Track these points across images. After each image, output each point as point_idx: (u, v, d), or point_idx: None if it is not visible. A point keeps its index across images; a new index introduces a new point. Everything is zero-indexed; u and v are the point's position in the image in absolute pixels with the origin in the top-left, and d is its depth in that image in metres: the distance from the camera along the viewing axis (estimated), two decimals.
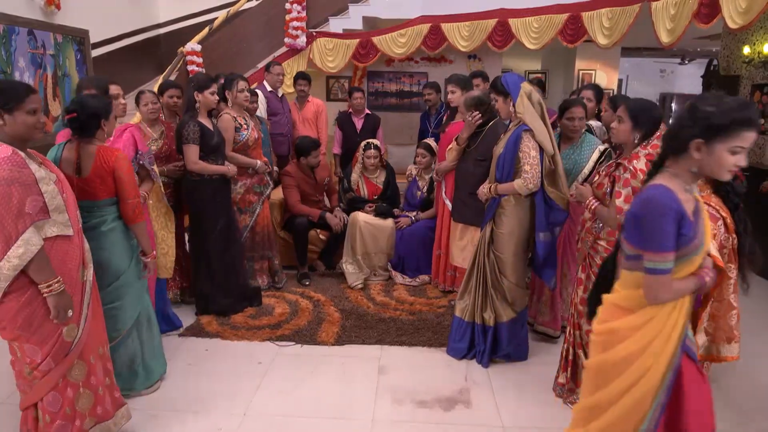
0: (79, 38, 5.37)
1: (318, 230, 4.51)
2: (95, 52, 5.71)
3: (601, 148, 3.12)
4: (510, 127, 3.00)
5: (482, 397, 2.78)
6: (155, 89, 3.82)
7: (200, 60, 5.97)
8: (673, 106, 12.38)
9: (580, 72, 8.53)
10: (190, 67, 5.90)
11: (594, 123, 3.60)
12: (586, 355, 2.58)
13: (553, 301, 3.34)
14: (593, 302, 1.87)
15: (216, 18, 6.38)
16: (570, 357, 2.65)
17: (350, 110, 5.31)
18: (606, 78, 8.54)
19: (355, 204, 4.47)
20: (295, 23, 5.99)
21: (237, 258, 3.68)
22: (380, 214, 4.38)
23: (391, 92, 7.14)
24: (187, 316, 3.61)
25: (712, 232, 2.14)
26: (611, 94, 6.47)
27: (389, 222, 4.37)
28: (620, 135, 2.39)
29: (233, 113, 3.77)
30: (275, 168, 4.19)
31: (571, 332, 2.64)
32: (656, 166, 1.67)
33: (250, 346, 3.29)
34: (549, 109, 3.99)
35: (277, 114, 5.04)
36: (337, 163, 5.44)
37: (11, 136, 1.93)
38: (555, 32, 5.57)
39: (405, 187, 4.65)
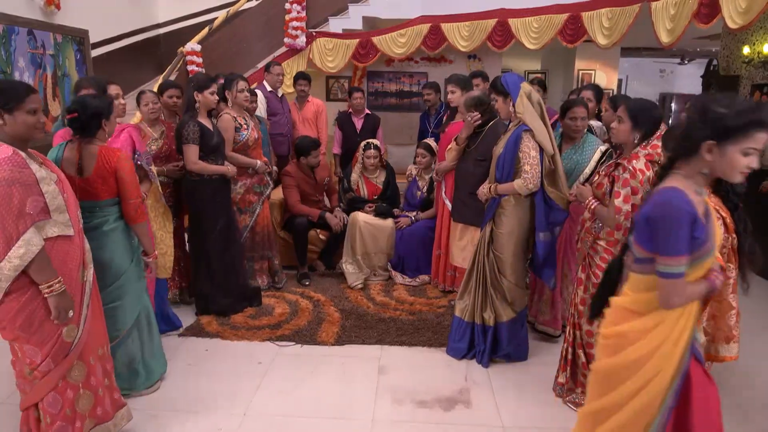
0: (78, 38, 5.37)
1: (318, 230, 4.51)
2: (95, 52, 5.71)
3: (603, 148, 3.12)
4: (510, 127, 3.00)
5: (482, 397, 2.78)
6: (155, 89, 3.82)
7: (200, 60, 5.97)
8: (673, 106, 12.38)
9: (580, 72, 8.53)
10: (189, 67, 5.90)
11: (594, 123, 3.60)
12: (586, 355, 2.58)
13: (553, 300, 3.34)
14: (597, 304, 1.86)
15: (216, 18, 6.38)
16: (569, 357, 2.65)
17: (350, 110, 5.31)
18: (606, 78, 8.55)
19: (355, 204, 4.47)
20: (295, 23, 5.99)
21: (237, 258, 3.68)
22: (380, 214, 4.38)
23: (390, 92, 7.14)
24: (186, 316, 3.61)
25: None
26: (611, 94, 6.47)
27: (389, 222, 4.37)
28: (620, 135, 2.39)
29: (233, 113, 3.77)
30: (274, 168, 4.19)
31: (571, 332, 2.64)
32: (666, 168, 1.64)
33: (250, 346, 3.29)
34: (549, 108, 4.00)
35: (276, 114, 5.03)
36: (337, 163, 5.44)
37: (11, 136, 1.93)
38: (555, 32, 5.58)
39: (405, 187, 4.65)
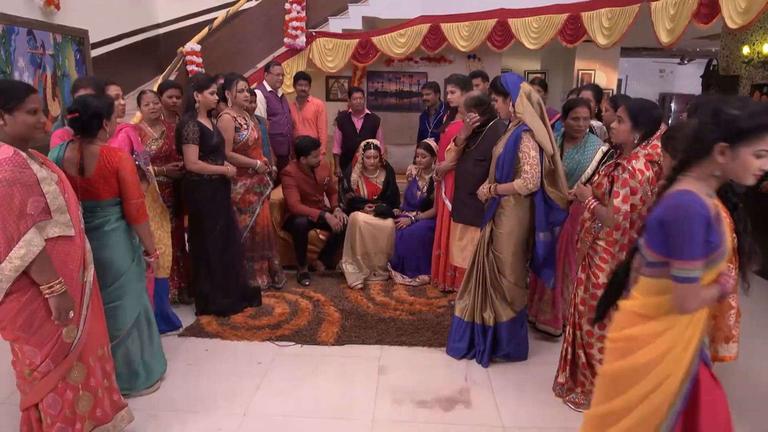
0: (78, 38, 5.37)
1: (318, 230, 4.51)
2: (95, 52, 5.71)
3: (604, 148, 3.13)
4: (510, 127, 3.00)
5: (482, 397, 2.78)
6: (155, 89, 3.82)
7: (200, 60, 5.97)
8: (673, 106, 12.39)
9: (580, 72, 8.53)
10: (189, 67, 5.90)
11: (595, 123, 3.61)
12: (586, 355, 2.58)
13: (554, 300, 3.35)
14: (602, 308, 1.85)
15: (215, 18, 6.38)
16: (569, 356, 2.65)
17: (350, 110, 5.31)
18: (605, 78, 8.55)
19: (354, 204, 4.47)
20: (295, 23, 5.99)
21: (237, 258, 3.68)
22: (380, 214, 4.38)
23: (390, 92, 7.14)
24: (186, 316, 3.61)
25: None
26: (611, 95, 6.47)
27: (389, 222, 4.37)
28: (620, 135, 2.40)
29: (233, 113, 3.77)
30: (274, 168, 4.19)
31: (571, 332, 2.64)
32: (676, 171, 1.63)
33: (250, 346, 3.29)
34: (549, 109, 4.00)
35: (276, 114, 5.03)
36: (336, 163, 5.44)
37: (12, 136, 1.92)
38: (554, 32, 5.58)
39: (405, 187, 4.65)
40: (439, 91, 5.00)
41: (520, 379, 2.94)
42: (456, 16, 5.85)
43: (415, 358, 3.17)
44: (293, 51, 6.15)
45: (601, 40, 5.41)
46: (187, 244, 3.87)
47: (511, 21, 5.67)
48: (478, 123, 3.45)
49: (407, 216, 4.40)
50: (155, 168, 3.47)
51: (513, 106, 2.85)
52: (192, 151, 3.37)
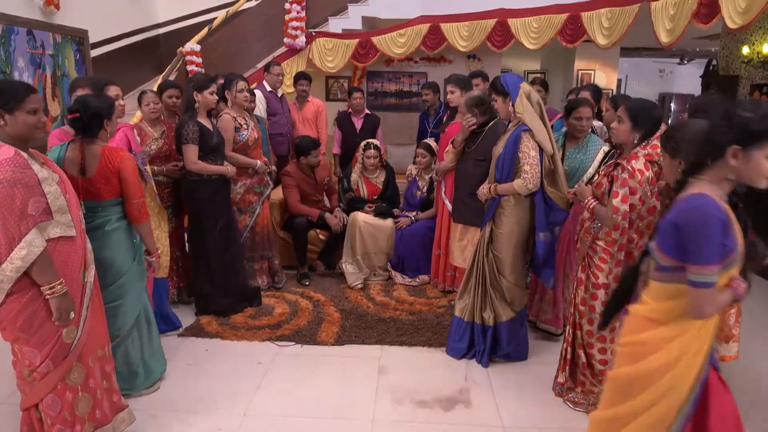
0: (78, 38, 5.37)
1: (318, 230, 4.51)
2: (94, 52, 5.70)
3: (606, 148, 3.13)
4: (509, 127, 3.00)
5: (482, 397, 2.78)
6: (155, 89, 3.81)
7: (199, 60, 5.97)
8: (672, 106, 12.40)
9: (579, 72, 8.53)
10: (189, 67, 5.90)
11: (595, 123, 3.61)
12: (586, 355, 2.58)
13: (555, 299, 3.35)
14: (609, 312, 1.84)
15: (215, 18, 6.38)
16: (569, 356, 2.65)
17: (350, 110, 5.31)
18: (605, 78, 8.55)
19: (354, 204, 4.47)
20: (295, 23, 5.99)
21: (236, 258, 3.68)
22: (380, 214, 4.38)
23: (390, 92, 7.14)
24: (186, 316, 3.61)
25: None
26: (611, 95, 6.48)
27: (389, 222, 4.37)
28: (620, 135, 2.40)
29: (233, 113, 3.77)
30: (273, 168, 4.19)
31: (571, 332, 2.64)
32: (687, 174, 1.61)
33: (250, 346, 3.29)
34: (549, 109, 4.00)
35: (276, 114, 5.03)
36: (336, 163, 5.44)
37: (12, 137, 1.92)
38: (554, 32, 5.58)
39: (405, 187, 4.65)
40: (439, 91, 5.00)
41: (520, 379, 2.95)
42: (456, 16, 5.85)
43: (415, 358, 3.17)
44: (293, 51, 6.15)
45: (601, 40, 5.41)
46: (186, 244, 3.86)
47: (510, 21, 5.68)
48: (475, 126, 3.45)
49: (407, 216, 4.40)
50: (155, 168, 3.48)
51: (513, 106, 2.85)
52: (192, 151, 3.37)
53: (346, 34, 6.18)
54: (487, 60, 6.80)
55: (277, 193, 4.52)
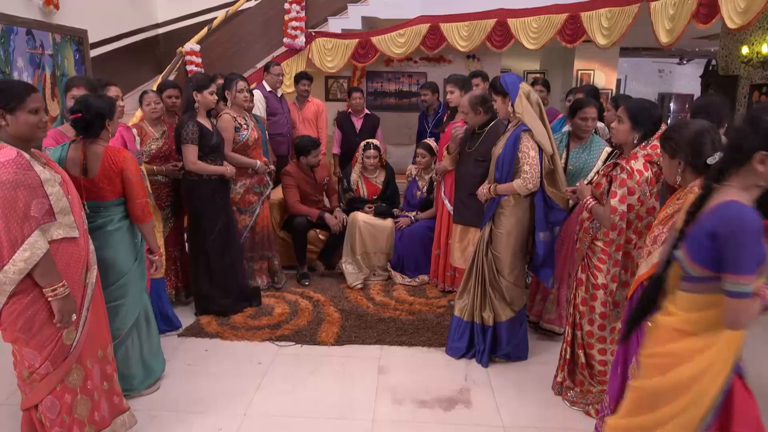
0: (77, 38, 5.36)
1: (317, 230, 4.51)
2: (94, 52, 5.70)
3: (609, 149, 3.13)
4: (509, 127, 3.00)
5: (482, 397, 2.78)
6: (155, 89, 3.81)
7: (199, 60, 5.97)
8: (672, 106, 12.42)
9: (579, 72, 8.53)
10: (189, 67, 5.89)
11: (597, 124, 3.62)
12: (586, 355, 2.59)
13: (559, 299, 3.35)
14: (632, 323, 1.81)
15: (215, 18, 6.37)
16: (568, 356, 2.66)
17: (349, 110, 5.31)
18: (604, 78, 8.55)
19: (354, 204, 4.47)
20: (294, 23, 5.99)
21: (236, 258, 3.68)
22: (380, 214, 4.38)
23: (390, 92, 7.15)
24: (186, 317, 3.61)
25: None
26: (610, 95, 6.48)
27: (389, 222, 4.38)
28: (619, 135, 2.40)
29: (233, 113, 3.77)
30: (272, 167, 4.19)
31: (570, 332, 2.64)
32: (713, 180, 1.56)
33: (250, 346, 3.29)
34: (550, 109, 4.01)
35: (276, 114, 5.03)
36: (336, 163, 5.44)
37: (14, 137, 1.91)
38: (554, 32, 5.58)
39: (404, 187, 4.66)
40: (437, 91, 5.01)
41: (520, 378, 2.95)
42: (455, 16, 5.85)
43: (414, 358, 3.18)
44: (293, 51, 6.15)
45: (601, 40, 5.42)
46: (186, 244, 3.87)
47: (510, 21, 5.68)
48: (463, 136, 3.46)
49: (407, 216, 4.40)
50: (155, 167, 3.49)
51: (512, 106, 2.86)
52: (191, 151, 3.37)
53: (346, 34, 6.18)
54: (487, 60, 6.80)
55: (277, 193, 4.52)
